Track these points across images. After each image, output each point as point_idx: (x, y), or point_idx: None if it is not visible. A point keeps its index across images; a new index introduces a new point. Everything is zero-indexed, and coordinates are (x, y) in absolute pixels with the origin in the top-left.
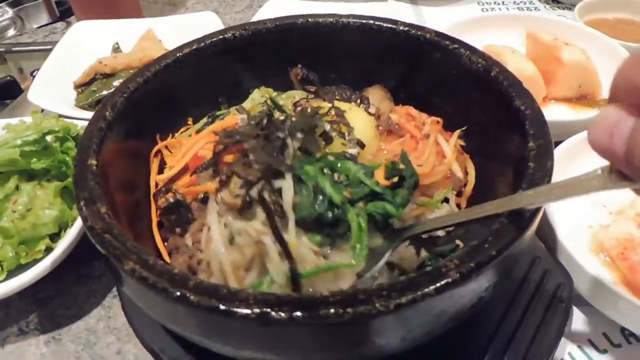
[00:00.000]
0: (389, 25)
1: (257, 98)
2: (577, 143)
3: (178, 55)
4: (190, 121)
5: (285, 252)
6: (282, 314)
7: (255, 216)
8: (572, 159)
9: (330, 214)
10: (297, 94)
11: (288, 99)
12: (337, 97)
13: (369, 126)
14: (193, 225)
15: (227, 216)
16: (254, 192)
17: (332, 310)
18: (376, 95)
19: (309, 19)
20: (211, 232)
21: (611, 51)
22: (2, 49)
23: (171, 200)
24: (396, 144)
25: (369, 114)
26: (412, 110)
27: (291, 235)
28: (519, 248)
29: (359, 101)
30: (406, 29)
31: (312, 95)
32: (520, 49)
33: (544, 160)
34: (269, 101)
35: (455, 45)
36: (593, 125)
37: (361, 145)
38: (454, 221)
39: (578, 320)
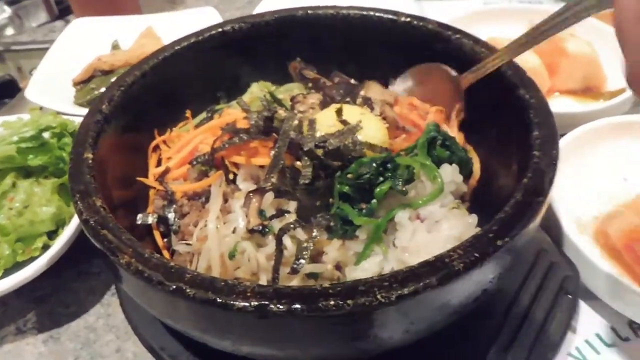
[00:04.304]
0: (390, 17)
1: (256, 92)
2: (582, 135)
3: (176, 48)
4: (189, 114)
5: None
6: (281, 307)
7: (266, 245)
8: (577, 151)
9: None
10: (295, 87)
11: (287, 92)
12: (334, 92)
13: (382, 131)
14: (187, 218)
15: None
16: (276, 225)
17: (331, 302)
18: (375, 89)
19: (309, 11)
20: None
21: (616, 43)
22: (1, 48)
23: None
24: (400, 140)
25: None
26: (415, 101)
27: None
28: (524, 239)
29: (361, 101)
30: (408, 20)
31: (312, 90)
32: None
33: (549, 149)
34: (267, 95)
35: (458, 36)
36: None
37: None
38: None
39: (585, 314)
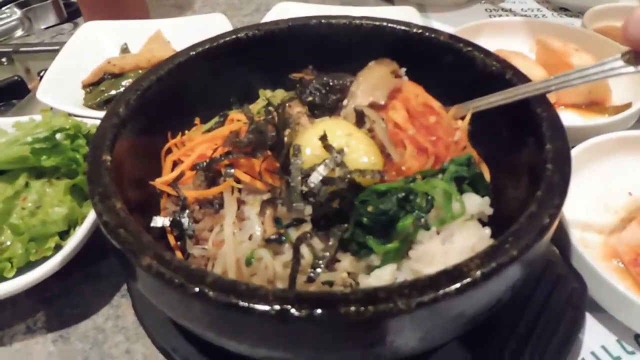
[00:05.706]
0: (403, 27)
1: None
2: (587, 149)
3: (191, 54)
4: (197, 121)
5: None
6: (302, 311)
7: (283, 253)
8: (583, 165)
9: None
10: (293, 93)
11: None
12: (315, 101)
13: (373, 151)
14: (201, 223)
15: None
16: (292, 233)
17: (352, 308)
18: (374, 76)
19: (322, 20)
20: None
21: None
22: (10, 49)
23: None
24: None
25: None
26: (432, 101)
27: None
28: (538, 249)
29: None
30: (420, 31)
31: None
32: (529, 55)
33: (562, 163)
34: (270, 107)
35: (469, 48)
36: (629, 23)
37: None
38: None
39: (591, 327)
